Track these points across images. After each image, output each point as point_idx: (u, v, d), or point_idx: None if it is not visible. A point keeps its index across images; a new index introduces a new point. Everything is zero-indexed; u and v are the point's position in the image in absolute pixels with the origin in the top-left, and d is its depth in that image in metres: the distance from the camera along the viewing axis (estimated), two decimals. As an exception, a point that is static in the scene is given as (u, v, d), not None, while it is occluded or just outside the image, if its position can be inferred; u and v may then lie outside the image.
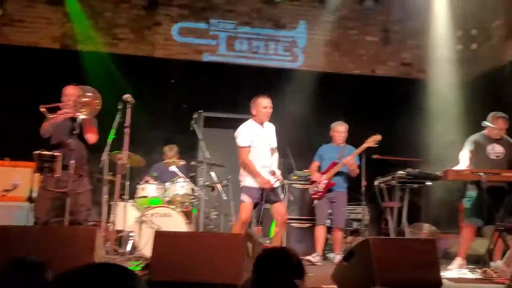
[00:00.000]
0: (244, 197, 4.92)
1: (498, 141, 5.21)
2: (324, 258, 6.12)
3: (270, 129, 5.16)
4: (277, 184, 4.97)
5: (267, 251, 2.17)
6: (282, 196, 5.13)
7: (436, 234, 6.79)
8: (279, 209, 5.02)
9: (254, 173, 4.89)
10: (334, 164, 5.90)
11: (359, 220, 6.75)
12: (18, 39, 7.64)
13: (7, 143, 6.40)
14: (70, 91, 4.75)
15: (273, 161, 5.04)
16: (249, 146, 4.96)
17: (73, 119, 4.63)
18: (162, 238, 3.51)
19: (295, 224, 6.46)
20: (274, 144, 5.12)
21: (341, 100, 7.92)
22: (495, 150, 5.20)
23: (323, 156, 6.07)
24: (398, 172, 5.54)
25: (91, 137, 4.78)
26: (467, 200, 5.20)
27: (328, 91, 7.89)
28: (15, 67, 7.18)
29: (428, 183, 5.80)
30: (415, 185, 5.79)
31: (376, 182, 6.03)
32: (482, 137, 5.30)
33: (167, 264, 3.28)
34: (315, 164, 6.10)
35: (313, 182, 6.04)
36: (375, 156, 7.02)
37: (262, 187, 4.85)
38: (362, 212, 6.62)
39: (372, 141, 5.81)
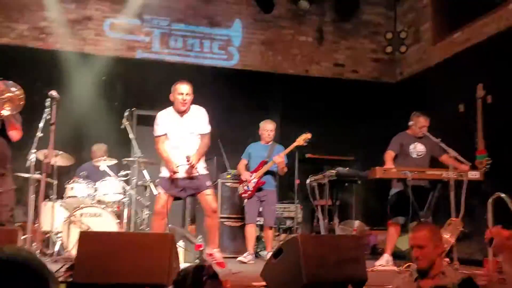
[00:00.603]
0: (158, 188, 4.96)
1: (420, 139, 5.43)
2: (257, 256, 6.16)
3: (194, 114, 5.00)
4: (182, 169, 4.81)
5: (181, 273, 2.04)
6: (208, 183, 4.97)
7: (365, 230, 7.03)
8: (205, 198, 4.90)
9: (165, 162, 4.87)
10: (264, 162, 5.92)
11: (292, 218, 6.84)
12: None
13: None
14: None
15: (194, 146, 4.88)
16: (163, 135, 4.93)
17: (-5, 117, 4.39)
18: (87, 238, 3.40)
19: (228, 223, 6.46)
20: (198, 130, 4.95)
21: (275, 99, 8.01)
22: (417, 149, 5.42)
23: (251, 155, 6.08)
24: (329, 171, 5.68)
25: (15, 135, 4.54)
26: (390, 198, 5.40)
27: (263, 90, 7.96)
28: None
29: (358, 181, 6.00)
30: (346, 184, 5.98)
31: (308, 181, 6.17)
32: (406, 136, 5.51)
33: (92, 265, 3.17)
34: (243, 162, 6.11)
35: (242, 181, 6.02)
36: (308, 155, 7.20)
37: (174, 178, 4.80)
38: (295, 210, 6.72)
39: (302, 139, 5.85)
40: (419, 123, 5.35)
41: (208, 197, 4.93)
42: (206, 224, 5.07)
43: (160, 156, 4.98)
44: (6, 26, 7.38)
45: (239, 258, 5.76)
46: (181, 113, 4.94)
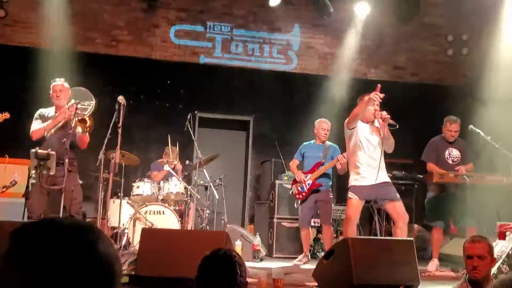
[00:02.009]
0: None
1: (453, 144, 5.36)
2: (314, 257, 6.13)
3: None
4: None
5: (210, 255, 2.09)
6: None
7: (424, 235, 6.84)
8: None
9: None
10: (319, 163, 5.76)
11: (350, 220, 6.75)
12: (19, 40, 7.72)
13: (6, 141, 6.46)
14: (58, 87, 4.84)
15: None
16: None
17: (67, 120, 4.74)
18: (148, 234, 3.58)
19: (285, 223, 6.49)
20: None
21: (332, 102, 7.96)
22: (452, 155, 5.34)
23: (305, 155, 5.92)
24: (385, 174, 5.56)
25: (82, 144, 4.88)
26: (428, 202, 5.31)
27: (321, 93, 7.93)
28: (14, 67, 7.27)
29: (415, 185, 5.86)
30: (403, 187, 5.85)
31: (365, 184, 6.06)
32: (440, 142, 5.44)
33: (152, 259, 3.34)
34: (295, 162, 5.96)
35: (295, 181, 5.86)
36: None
37: None
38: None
39: None
40: (449, 128, 5.27)
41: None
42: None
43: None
44: (82, 35, 7.82)
45: (295, 261, 5.74)
46: None
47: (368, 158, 4.55)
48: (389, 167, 6.35)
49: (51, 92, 4.86)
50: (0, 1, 7.59)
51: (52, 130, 4.79)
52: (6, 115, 4.59)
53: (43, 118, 4.84)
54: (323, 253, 6.09)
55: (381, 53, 8.46)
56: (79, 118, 4.66)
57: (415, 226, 6.98)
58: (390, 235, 6.09)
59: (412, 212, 7.24)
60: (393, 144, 4.70)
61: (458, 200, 5.05)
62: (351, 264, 3.19)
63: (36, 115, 4.87)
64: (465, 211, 5.04)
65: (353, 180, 4.57)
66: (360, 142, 4.60)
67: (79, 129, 4.66)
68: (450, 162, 5.33)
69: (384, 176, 4.59)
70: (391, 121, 4.58)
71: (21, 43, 7.70)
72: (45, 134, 4.77)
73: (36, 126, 4.81)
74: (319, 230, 6.29)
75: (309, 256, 5.88)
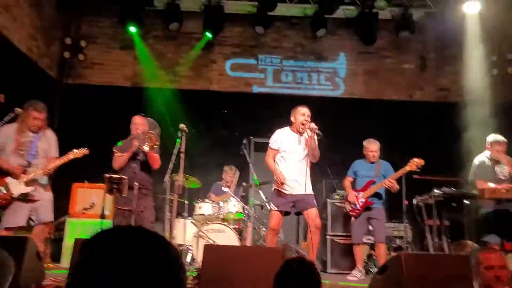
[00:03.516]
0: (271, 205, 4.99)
1: (499, 162, 5.04)
2: (368, 273, 5.89)
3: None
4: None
5: (285, 264, 2.05)
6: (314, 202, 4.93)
7: (478, 251, 6.41)
8: (310, 214, 4.83)
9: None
10: (371, 182, 5.61)
11: (401, 238, 6.47)
12: (97, 79, 8.10)
13: (85, 167, 6.70)
14: (138, 121, 5.04)
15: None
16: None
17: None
18: (210, 250, 3.55)
19: (338, 240, 6.30)
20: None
21: (380, 125, 7.75)
22: (502, 172, 5.00)
23: (358, 173, 5.78)
24: (434, 191, 5.30)
25: (154, 164, 4.99)
26: (482, 217, 5.01)
27: (368, 116, 7.75)
28: (94, 103, 7.62)
29: (466, 201, 5.54)
30: (453, 204, 5.54)
31: (414, 201, 5.81)
32: (487, 158, 5.11)
33: (214, 274, 3.30)
34: (348, 179, 5.82)
35: (347, 200, 5.73)
36: (415, 176, 6.79)
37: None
38: (404, 229, 6.35)
39: (415, 165, 5.38)
40: (497, 148, 4.95)
41: (313, 212, 4.84)
42: (308, 240, 4.96)
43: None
44: (149, 73, 8.10)
45: (349, 277, 5.53)
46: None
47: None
48: (443, 185, 6.07)
49: (132, 124, 5.04)
50: (81, 47, 8.02)
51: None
52: (86, 151, 4.77)
53: (119, 149, 5.00)
54: (376, 269, 5.88)
55: (425, 75, 8.20)
56: (147, 142, 4.79)
57: (468, 242, 6.56)
58: (442, 251, 5.77)
59: (464, 228, 6.85)
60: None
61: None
62: (402, 280, 3.02)
63: (114, 149, 5.01)
64: None
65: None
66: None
67: (145, 147, 4.76)
68: (502, 177, 5.00)
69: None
70: (317, 131, 4.76)
71: (98, 82, 8.07)
72: (121, 164, 4.92)
73: (116, 158, 4.98)
74: (372, 247, 6.05)
75: (363, 271, 5.65)
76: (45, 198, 4.66)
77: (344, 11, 7.93)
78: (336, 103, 7.93)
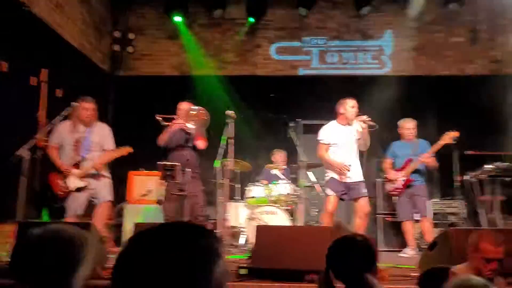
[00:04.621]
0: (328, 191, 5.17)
1: None
2: (420, 249, 5.90)
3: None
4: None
5: (337, 241, 2.04)
6: (365, 190, 5.12)
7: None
8: (361, 202, 5.07)
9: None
10: (410, 160, 5.62)
11: (456, 214, 6.41)
12: (146, 70, 8.43)
13: (141, 157, 7.05)
14: (184, 106, 5.27)
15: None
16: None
17: (187, 133, 5.12)
18: (262, 231, 3.73)
19: (388, 218, 6.33)
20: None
21: (431, 101, 7.61)
22: None
23: (396, 153, 5.83)
24: (486, 166, 5.21)
25: (200, 144, 5.22)
26: None
27: (418, 93, 7.61)
28: (145, 93, 7.96)
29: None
30: (507, 179, 5.42)
31: (466, 177, 5.74)
32: None
33: (266, 253, 3.48)
34: (388, 161, 5.88)
35: (389, 179, 5.79)
36: (467, 152, 6.66)
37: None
38: (458, 206, 6.30)
39: (449, 137, 5.40)
40: None
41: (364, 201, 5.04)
42: (356, 225, 5.12)
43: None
44: (196, 61, 8.31)
45: (401, 254, 5.59)
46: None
47: None
48: (497, 159, 5.93)
49: (177, 110, 5.30)
50: (129, 39, 8.35)
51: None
52: (130, 149, 5.00)
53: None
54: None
55: (476, 48, 7.93)
56: (190, 114, 4.98)
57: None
58: (495, 225, 5.68)
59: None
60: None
61: None
62: (452, 255, 3.07)
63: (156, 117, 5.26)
64: None
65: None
66: None
67: (189, 125, 4.98)
68: None
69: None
70: (371, 123, 4.87)
71: (147, 73, 8.40)
72: (164, 141, 5.18)
73: (160, 137, 5.28)
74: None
75: (415, 249, 5.69)
76: (101, 183, 4.94)
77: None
78: (383, 81, 7.82)
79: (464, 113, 7.20)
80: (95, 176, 4.91)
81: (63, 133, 4.87)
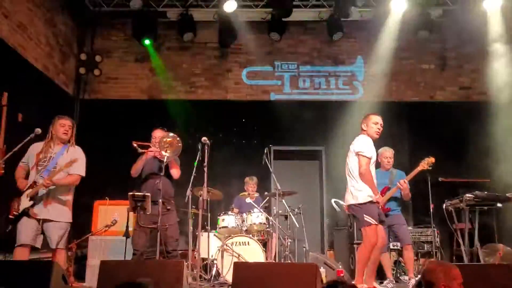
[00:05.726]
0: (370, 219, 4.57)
1: None
2: (397, 281, 5.74)
3: None
4: None
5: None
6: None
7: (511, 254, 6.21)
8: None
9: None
10: (387, 188, 5.52)
11: (429, 243, 6.30)
12: (113, 94, 8.09)
13: (106, 185, 6.68)
14: (158, 134, 5.00)
15: None
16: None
17: (160, 161, 4.83)
18: (240, 268, 3.46)
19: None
20: None
21: (402, 127, 7.62)
22: None
23: None
24: (466, 195, 5.14)
25: (175, 173, 4.97)
26: None
27: (389, 119, 7.56)
28: (112, 118, 7.62)
29: (499, 204, 5.35)
30: (485, 207, 5.37)
31: (444, 205, 5.66)
32: None
33: (245, 293, 3.22)
34: None
35: None
36: (441, 179, 6.63)
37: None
38: (431, 234, 6.20)
39: (426, 164, 5.31)
40: None
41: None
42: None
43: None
44: (165, 85, 8.07)
45: (379, 286, 5.37)
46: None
47: None
48: (470, 187, 5.92)
49: (152, 139, 5.02)
50: (96, 61, 8.03)
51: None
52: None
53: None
54: (405, 276, 5.72)
55: (445, 75, 8.04)
56: (165, 141, 4.72)
57: (500, 245, 6.36)
58: (475, 256, 5.59)
59: (494, 232, 6.65)
60: None
61: None
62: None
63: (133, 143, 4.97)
64: None
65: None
66: None
67: (165, 153, 4.69)
68: None
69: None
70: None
71: (114, 97, 8.06)
72: (137, 170, 4.95)
73: (133, 166, 5.03)
74: (399, 253, 5.90)
75: (393, 280, 5.50)
76: (54, 213, 4.36)
77: (360, 13, 7.81)
78: (355, 107, 7.78)
79: (434, 139, 7.22)
80: (48, 200, 4.38)
81: (31, 153, 4.50)
